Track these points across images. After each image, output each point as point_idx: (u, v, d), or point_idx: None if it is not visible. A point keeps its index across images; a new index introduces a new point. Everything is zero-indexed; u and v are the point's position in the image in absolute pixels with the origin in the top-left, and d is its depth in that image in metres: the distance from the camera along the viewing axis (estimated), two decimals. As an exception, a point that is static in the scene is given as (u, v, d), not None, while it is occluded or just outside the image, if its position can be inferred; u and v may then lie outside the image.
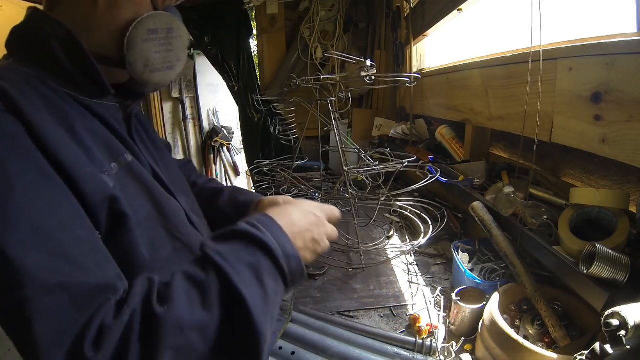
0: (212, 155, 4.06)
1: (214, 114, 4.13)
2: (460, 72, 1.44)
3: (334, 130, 1.23)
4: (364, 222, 1.38)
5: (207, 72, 3.76)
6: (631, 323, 0.48)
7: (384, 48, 2.27)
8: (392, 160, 1.23)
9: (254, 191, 1.58)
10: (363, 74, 1.05)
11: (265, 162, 1.59)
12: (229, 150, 4.14)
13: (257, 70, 2.65)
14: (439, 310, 0.94)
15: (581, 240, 0.76)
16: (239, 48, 2.49)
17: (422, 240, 1.10)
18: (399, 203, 1.32)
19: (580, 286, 0.71)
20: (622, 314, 0.49)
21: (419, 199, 1.31)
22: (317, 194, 1.49)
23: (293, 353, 0.74)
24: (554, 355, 0.64)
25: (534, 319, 0.79)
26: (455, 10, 1.42)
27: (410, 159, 1.13)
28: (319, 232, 0.56)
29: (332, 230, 0.60)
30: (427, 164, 1.38)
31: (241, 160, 4.14)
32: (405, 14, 1.92)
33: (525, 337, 0.73)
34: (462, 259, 1.00)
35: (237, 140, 4.02)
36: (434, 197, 1.43)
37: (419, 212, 1.23)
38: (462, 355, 0.80)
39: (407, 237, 1.30)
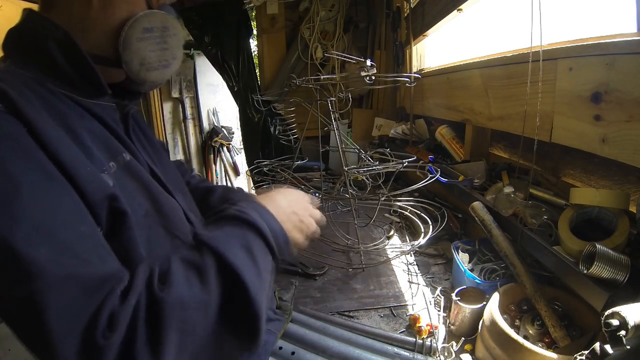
0: (212, 155, 4.06)
1: (214, 114, 4.13)
2: (460, 72, 1.44)
3: (334, 130, 1.23)
4: (364, 222, 1.38)
5: (207, 72, 3.75)
6: (631, 323, 0.48)
7: (384, 48, 2.27)
8: (392, 160, 1.23)
9: (254, 191, 1.58)
10: (363, 74, 1.05)
11: (265, 162, 1.58)
12: (229, 150, 4.14)
13: (257, 70, 2.65)
14: (439, 310, 0.94)
15: (581, 240, 0.76)
16: (239, 48, 2.49)
17: (422, 240, 1.10)
18: (399, 203, 1.32)
19: (580, 286, 0.71)
20: (622, 314, 0.49)
21: (419, 199, 1.31)
22: (317, 194, 1.49)
23: (293, 353, 0.74)
24: (554, 355, 0.64)
25: (534, 319, 0.79)
26: (455, 10, 1.42)
27: (410, 159, 1.13)
28: (303, 212, 0.59)
29: (317, 213, 0.63)
30: (427, 164, 1.38)
31: (241, 160, 4.13)
32: (405, 14, 1.92)
33: (525, 337, 0.73)
34: (462, 259, 1.00)
35: (237, 140, 4.01)
36: (434, 197, 1.43)
37: (419, 212, 1.23)
38: (462, 355, 0.80)
39: (407, 237, 1.30)
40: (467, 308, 0.84)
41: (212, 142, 3.99)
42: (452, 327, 0.88)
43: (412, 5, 1.82)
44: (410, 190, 1.16)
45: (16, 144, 0.39)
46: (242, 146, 3.28)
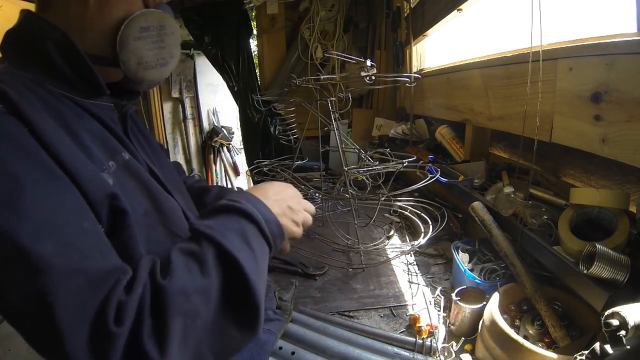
0: (212, 155, 4.06)
1: (214, 114, 4.13)
2: (460, 72, 1.44)
3: (334, 130, 1.23)
4: (364, 222, 1.38)
5: (207, 72, 3.75)
6: (631, 323, 0.48)
7: (384, 48, 2.27)
8: (392, 160, 1.23)
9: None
10: (363, 74, 1.05)
11: (265, 162, 1.58)
12: (229, 150, 4.14)
13: (257, 70, 2.65)
14: (439, 310, 0.94)
15: (581, 240, 0.76)
16: (239, 48, 2.49)
17: (422, 240, 1.10)
18: (399, 203, 1.32)
19: (580, 286, 0.71)
20: (622, 314, 0.49)
21: (419, 199, 1.31)
22: (317, 194, 1.49)
23: (293, 353, 0.74)
24: (554, 355, 0.64)
25: (534, 319, 0.79)
26: (455, 10, 1.42)
27: (410, 159, 1.13)
28: (293, 201, 0.60)
29: (308, 204, 0.65)
30: (427, 164, 1.38)
31: (241, 160, 4.13)
32: (405, 14, 1.92)
33: (525, 337, 0.73)
34: (462, 259, 1.00)
35: (237, 140, 4.02)
36: (434, 197, 1.43)
37: (419, 212, 1.23)
38: (462, 355, 0.80)
39: (407, 237, 1.30)
40: (467, 308, 0.84)
41: (212, 142, 3.99)
42: (452, 327, 0.88)
43: (412, 5, 1.82)
44: (410, 190, 1.16)
45: (19, 144, 0.40)
46: (242, 146, 3.28)
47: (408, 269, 1.12)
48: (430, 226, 1.13)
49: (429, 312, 0.91)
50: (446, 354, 0.78)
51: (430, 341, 0.78)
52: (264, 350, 0.69)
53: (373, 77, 1.05)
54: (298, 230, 0.60)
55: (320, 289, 1.04)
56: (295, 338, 0.79)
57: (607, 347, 0.50)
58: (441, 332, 0.85)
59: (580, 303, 0.75)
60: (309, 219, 0.64)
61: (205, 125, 4.10)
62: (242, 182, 4.21)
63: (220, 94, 4.06)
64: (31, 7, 0.53)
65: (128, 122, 0.61)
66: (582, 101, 0.83)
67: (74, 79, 0.51)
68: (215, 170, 4.11)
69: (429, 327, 0.83)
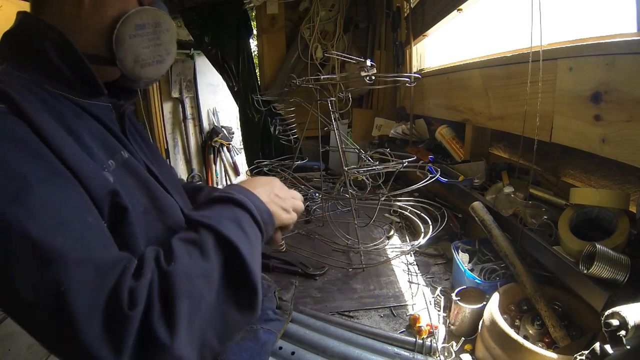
0: (212, 155, 4.06)
1: (214, 114, 4.13)
2: (460, 72, 1.44)
3: (334, 130, 1.23)
4: (364, 222, 1.38)
5: (207, 72, 3.76)
6: (631, 323, 0.48)
7: (384, 48, 2.27)
8: (392, 160, 1.23)
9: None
10: (363, 74, 1.05)
11: (265, 162, 1.59)
12: (229, 150, 4.14)
13: (257, 70, 2.65)
14: (439, 310, 0.94)
15: (581, 240, 0.76)
16: (239, 48, 2.49)
17: (422, 240, 1.10)
18: (399, 203, 1.32)
19: (580, 286, 0.71)
20: (622, 314, 0.49)
21: (419, 199, 1.31)
22: (317, 194, 1.49)
23: (293, 353, 0.74)
24: (554, 355, 0.64)
25: (534, 319, 0.79)
26: (455, 10, 1.42)
27: (410, 159, 1.13)
28: (280, 191, 0.63)
29: (295, 192, 0.68)
30: (427, 164, 1.38)
31: (241, 160, 4.13)
32: (405, 14, 1.92)
33: (525, 337, 0.73)
34: (462, 259, 1.00)
35: (237, 140, 4.02)
36: (434, 197, 1.43)
37: (419, 212, 1.23)
38: (462, 355, 0.80)
39: (407, 237, 1.30)
40: (467, 308, 0.84)
41: (212, 142, 4.00)
42: (452, 327, 0.88)
43: (412, 5, 1.82)
44: (410, 190, 1.16)
45: (23, 143, 0.41)
46: (242, 146, 3.28)
47: (408, 269, 1.12)
48: (430, 226, 1.13)
49: (429, 312, 0.91)
50: (446, 354, 0.78)
51: (430, 341, 0.78)
52: (264, 350, 0.69)
53: (373, 77, 1.06)
54: (288, 217, 0.62)
55: (320, 289, 1.04)
56: (295, 338, 0.79)
57: (607, 347, 0.50)
58: (441, 332, 0.85)
59: (580, 303, 0.75)
60: (299, 205, 0.66)
61: (205, 125, 4.10)
62: (242, 182, 4.20)
63: (220, 94, 4.06)
64: (26, 11, 0.54)
65: (126, 121, 0.61)
66: (582, 101, 0.83)
67: (73, 79, 0.51)
68: (215, 170, 4.11)
69: (429, 327, 0.83)
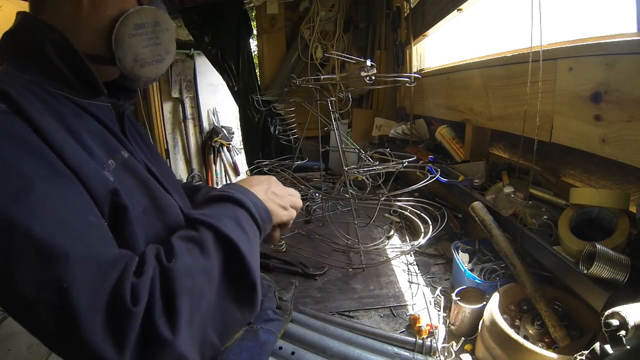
0: (212, 155, 4.06)
1: (214, 114, 4.13)
2: (460, 72, 1.44)
3: (334, 130, 1.23)
4: (364, 222, 1.38)
5: (207, 72, 3.75)
6: (631, 323, 0.48)
7: (384, 48, 2.27)
8: (392, 160, 1.23)
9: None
10: (363, 74, 1.05)
11: (265, 162, 1.58)
12: (229, 150, 4.14)
13: (257, 70, 2.65)
14: (439, 310, 0.94)
15: (581, 240, 0.76)
16: (239, 48, 2.49)
17: (422, 240, 1.10)
18: (399, 203, 1.32)
19: (580, 286, 0.71)
20: (622, 314, 0.49)
21: (419, 199, 1.31)
22: (317, 194, 1.49)
23: (293, 353, 0.74)
24: (554, 355, 0.64)
25: (534, 319, 0.79)
26: (455, 10, 1.42)
27: (410, 159, 1.13)
28: (276, 188, 0.64)
29: (292, 189, 0.69)
30: (427, 164, 1.38)
31: (241, 160, 4.13)
32: (405, 14, 1.92)
33: (525, 337, 0.73)
34: (462, 259, 1.00)
35: (237, 140, 4.02)
36: (434, 197, 1.43)
37: (419, 212, 1.23)
38: (462, 355, 0.80)
39: (407, 237, 1.30)
40: (467, 308, 0.84)
41: (212, 142, 4.00)
42: (452, 327, 0.88)
43: (412, 5, 1.82)
44: (410, 190, 1.16)
45: (25, 143, 0.41)
46: (242, 146, 3.28)
47: (408, 269, 1.12)
48: (430, 226, 1.13)
49: (429, 312, 0.91)
50: (446, 354, 0.78)
51: (430, 341, 0.78)
52: (264, 350, 0.69)
53: (373, 77, 1.06)
54: (286, 214, 0.63)
55: (320, 289, 1.04)
56: (295, 338, 0.79)
57: (607, 347, 0.50)
58: (441, 332, 0.85)
59: (580, 303, 0.75)
60: (297, 202, 0.67)
61: (205, 125, 4.10)
62: (242, 182, 4.19)
63: (220, 94, 4.06)
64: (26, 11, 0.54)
65: (125, 121, 0.61)
66: (582, 101, 0.83)
67: (73, 79, 0.51)
68: (215, 170, 4.11)
69: (429, 327, 0.83)
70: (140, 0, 0.55)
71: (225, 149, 4.10)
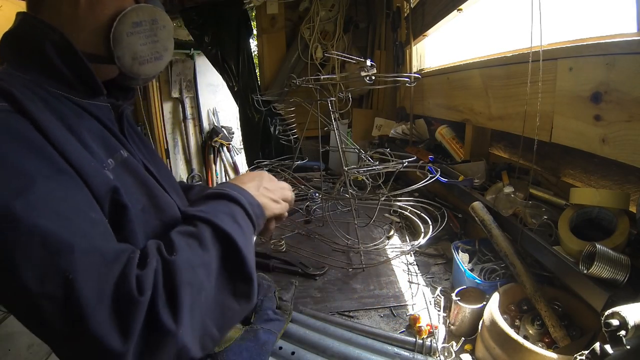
0: (212, 155, 4.06)
1: (214, 114, 4.13)
2: (460, 72, 1.44)
3: (334, 130, 1.23)
4: (364, 222, 1.38)
5: (207, 72, 3.76)
6: (631, 323, 0.48)
7: (384, 48, 2.27)
8: (392, 160, 1.23)
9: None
10: (363, 74, 1.05)
11: (265, 162, 1.58)
12: (229, 150, 4.14)
13: (257, 70, 2.65)
14: (439, 310, 0.94)
15: (581, 240, 0.76)
16: (239, 48, 2.49)
17: (422, 240, 1.10)
18: (399, 203, 1.32)
19: (580, 286, 0.71)
20: (622, 314, 0.49)
21: (419, 199, 1.31)
22: (317, 194, 1.49)
23: (293, 353, 0.74)
24: (554, 355, 0.64)
25: (534, 319, 0.79)
26: (455, 10, 1.42)
27: (410, 159, 1.13)
28: (268, 183, 0.65)
29: (283, 183, 0.71)
30: (427, 164, 1.38)
31: (241, 160, 4.13)
32: (405, 14, 1.92)
33: (525, 337, 0.73)
34: (462, 259, 1.00)
35: (237, 140, 4.02)
36: (434, 197, 1.43)
37: (419, 212, 1.23)
38: (462, 355, 0.80)
39: (407, 237, 1.30)
40: (467, 308, 0.84)
41: (212, 142, 4.00)
42: (452, 327, 0.88)
43: (412, 5, 1.82)
44: (410, 190, 1.16)
45: (28, 141, 0.41)
46: (242, 146, 3.28)
47: (408, 269, 1.12)
48: (430, 226, 1.13)
49: (429, 312, 0.91)
50: (446, 354, 0.78)
51: (430, 341, 0.78)
52: (264, 350, 0.69)
53: (373, 77, 1.05)
54: (279, 206, 0.65)
55: (320, 289, 1.04)
56: (296, 338, 0.79)
57: (607, 347, 0.50)
58: (441, 332, 0.85)
59: (580, 303, 0.75)
60: (288, 194, 0.68)
61: (205, 125, 4.10)
62: (242, 182, 4.19)
63: (220, 94, 4.06)
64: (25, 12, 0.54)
65: (124, 122, 0.61)
66: (582, 101, 0.83)
67: (73, 79, 0.52)
68: (215, 170, 4.11)
69: (429, 327, 0.83)
70: None
71: (225, 149, 4.10)
